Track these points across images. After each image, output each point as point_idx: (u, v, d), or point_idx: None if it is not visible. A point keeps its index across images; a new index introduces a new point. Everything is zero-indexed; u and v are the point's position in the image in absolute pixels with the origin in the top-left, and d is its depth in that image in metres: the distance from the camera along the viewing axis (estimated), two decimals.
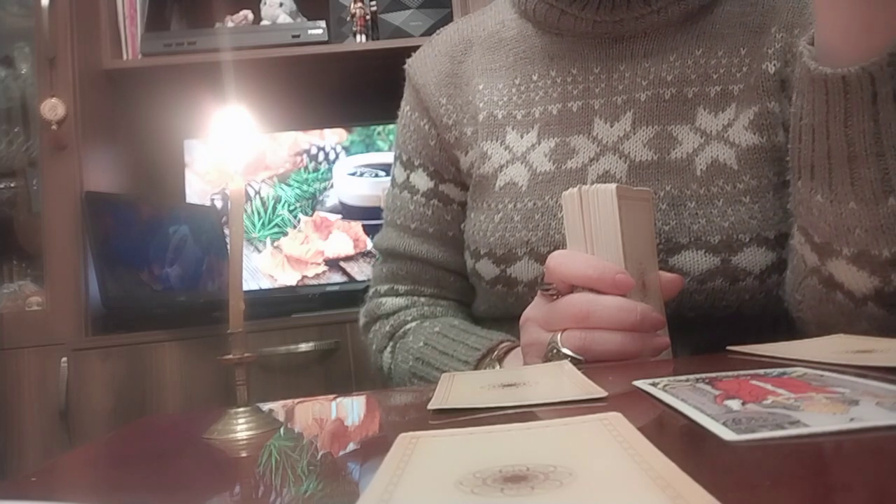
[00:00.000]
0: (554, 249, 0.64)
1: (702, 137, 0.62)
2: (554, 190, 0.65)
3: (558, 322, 0.50)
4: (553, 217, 0.64)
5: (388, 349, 0.74)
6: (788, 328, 0.65)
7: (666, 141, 0.63)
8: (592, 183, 0.64)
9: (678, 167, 0.62)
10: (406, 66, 0.78)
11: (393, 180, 0.79)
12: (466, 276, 0.75)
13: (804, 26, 0.61)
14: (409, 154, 0.77)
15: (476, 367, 0.62)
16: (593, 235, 0.51)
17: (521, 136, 0.68)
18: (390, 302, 0.76)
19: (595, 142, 0.65)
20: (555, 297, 0.52)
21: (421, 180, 0.76)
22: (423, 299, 0.76)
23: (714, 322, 0.61)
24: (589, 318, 0.49)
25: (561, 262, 0.51)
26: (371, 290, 0.80)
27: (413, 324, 0.73)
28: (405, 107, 0.79)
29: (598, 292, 0.49)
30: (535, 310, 0.54)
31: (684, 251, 0.60)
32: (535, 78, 0.69)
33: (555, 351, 0.49)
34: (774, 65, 0.62)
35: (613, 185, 0.50)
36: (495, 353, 0.62)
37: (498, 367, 0.61)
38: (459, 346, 0.64)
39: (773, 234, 0.60)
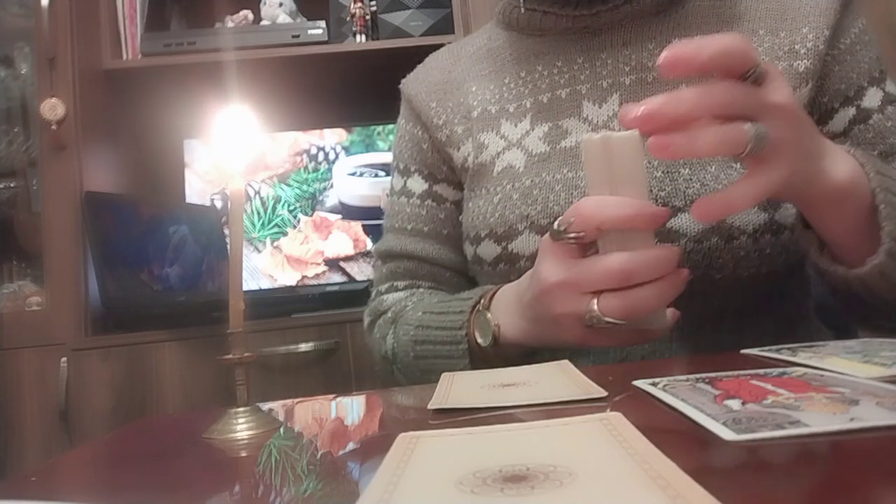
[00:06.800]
0: (553, 221, 0.65)
1: None
2: (550, 167, 0.68)
3: (594, 283, 0.50)
4: (551, 191, 0.67)
5: (391, 333, 0.76)
6: (779, 292, 0.69)
7: None
8: None
9: None
10: (400, 86, 0.84)
11: (391, 189, 0.84)
12: (462, 273, 0.78)
13: (788, 30, 0.67)
14: (406, 162, 0.82)
15: (472, 312, 0.64)
16: (617, 180, 0.50)
17: (515, 126, 0.73)
18: (391, 297, 0.80)
19: (586, 122, 0.69)
20: (575, 245, 0.51)
21: (416, 184, 0.80)
22: (421, 290, 0.80)
23: (713, 287, 0.63)
24: (631, 278, 0.49)
25: (593, 206, 0.50)
26: (373, 292, 0.84)
27: (412, 302, 0.76)
28: (401, 121, 0.84)
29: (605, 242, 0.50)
30: (557, 268, 0.53)
31: (680, 213, 0.63)
32: (522, 74, 0.74)
33: (596, 321, 0.50)
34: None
35: (636, 131, 0.49)
36: (489, 295, 0.64)
37: (488, 315, 0.62)
38: (454, 302, 0.67)
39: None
